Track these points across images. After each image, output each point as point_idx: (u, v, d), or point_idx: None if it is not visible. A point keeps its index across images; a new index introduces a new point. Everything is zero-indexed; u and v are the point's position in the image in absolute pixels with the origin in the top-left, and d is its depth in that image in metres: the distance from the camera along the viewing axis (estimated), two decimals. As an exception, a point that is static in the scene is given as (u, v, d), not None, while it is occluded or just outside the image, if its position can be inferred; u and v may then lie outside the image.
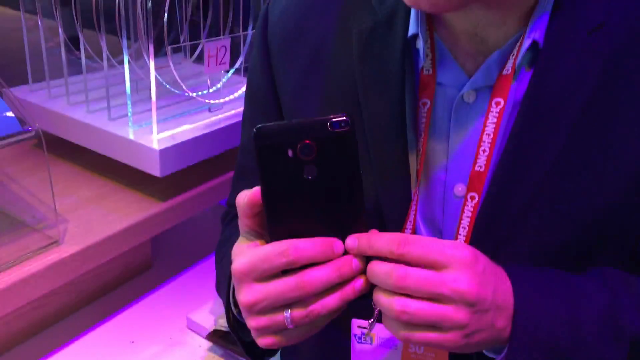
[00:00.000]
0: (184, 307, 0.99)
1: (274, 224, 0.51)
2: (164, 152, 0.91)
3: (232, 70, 1.10)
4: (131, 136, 0.93)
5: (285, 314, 0.51)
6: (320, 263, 0.50)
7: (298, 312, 0.50)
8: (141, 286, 1.05)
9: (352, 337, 0.63)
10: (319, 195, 0.50)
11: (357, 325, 0.63)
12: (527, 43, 0.56)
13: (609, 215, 0.57)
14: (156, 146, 0.91)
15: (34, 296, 0.79)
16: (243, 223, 0.53)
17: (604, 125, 0.56)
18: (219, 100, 1.06)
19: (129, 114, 0.96)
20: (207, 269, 1.10)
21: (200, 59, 1.14)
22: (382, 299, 0.50)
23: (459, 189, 0.61)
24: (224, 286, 0.69)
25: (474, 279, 0.49)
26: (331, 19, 0.67)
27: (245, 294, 0.51)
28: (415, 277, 0.49)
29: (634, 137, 0.56)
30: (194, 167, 1.02)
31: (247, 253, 0.51)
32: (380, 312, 0.53)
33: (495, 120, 0.58)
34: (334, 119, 0.49)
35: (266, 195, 0.50)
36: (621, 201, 0.57)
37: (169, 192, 0.99)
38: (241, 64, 1.09)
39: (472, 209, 0.59)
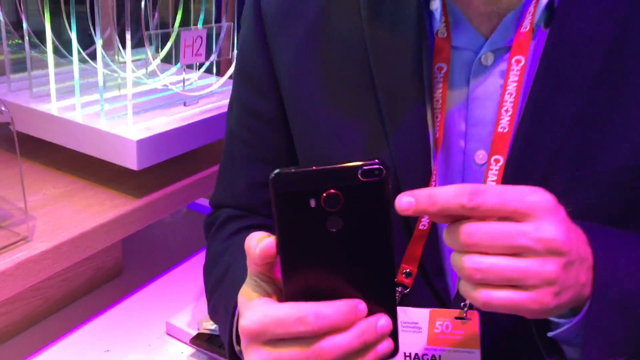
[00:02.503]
0: (162, 312, 0.92)
1: (290, 279, 0.46)
2: (141, 144, 0.85)
3: (206, 64, 1.06)
4: (104, 128, 0.87)
5: None
6: None
7: None
8: (113, 292, 0.98)
9: None
10: (342, 251, 0.45)
11: None
12: (543, 1, 0.55)
13: (634, 177, 0.55)
14: (133, 137, 0.85)
15: (2, 297, 0.72)
16: (252, 268, 0.48)
17: (624, 83, 0.55)
18: (196, 93, 1.01)
19: (101, 105, 0.90)
20: (184, 273, 1.03)
21: (168, 59, 1.09)
22: (454, 259, 0.45)
23: (480, 156, 0.58)
24: (224, 318, 0.63)
25: (560, 225, 0.44)
26: None
27: (253, 356, 0.46)
28: (487, 230, 0.43)
29: None
30: (169, 164, 0.97)
31: (257, 310, 0.45)
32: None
33: (516, 78, 0.56)
34: (366, 167, 0.44)
35: (283, 248, 0.45)
36: None
37: (144, 189, 0.93)
38: (217, 55, 1.04)
39: (497, 173, 0.56)
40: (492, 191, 0.44)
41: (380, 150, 0.52)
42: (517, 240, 0.43)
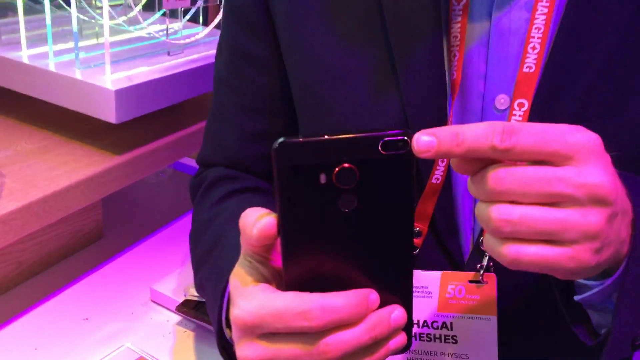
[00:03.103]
0: (146, 278, 0.85)
1: (292, 265, 0.39)
2: (120, 94, 0.77)
3: (192, 10, 0.98)
4: (79, 77, 0.79)
5: None
6: None
7: None
8: (93, 257, 0.91)
9: None
10: (354, 234, 0.39)
11: None
12: None
13: None
14: (110, 86, 0.77)
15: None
16: (247, 249, 0.41)
17: None
18: (182, 41, 0.93)
19: (76, 52, 0.82)
20: (169, 236, 0.96)
21: (150, 7, 1.01)
22: (479, 210, 0.39)
23: (501, 100, 0.52)
24: (213, 298, 0.57)
25: (606, 171, 0.38)
26: None
27: (247, 351, 0.40)
28: (521, 175, 0.37)
29: None
30: (152, 119, 0.89)
31: (254, 299, 0.39)
32: None
33: (545, 11, 0.49)
34: (388, 138, 0.37)
35: (285, 229, 0.39)
36: None
37: (124, 146, 0.86)
38: (204, 1, 0.96)
39: (520, 120, 0.49)
40: (529, 129, 0.37)
41: (389, 93, 0.45)
42: (556, 187, 0.37)
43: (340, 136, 0.37)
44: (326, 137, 0.37)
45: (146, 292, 0.83)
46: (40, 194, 0.71)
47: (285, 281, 0.40)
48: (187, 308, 0.79)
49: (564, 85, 0.50)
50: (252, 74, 0.63)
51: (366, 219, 0.39)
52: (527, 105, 0.50)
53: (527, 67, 0.50)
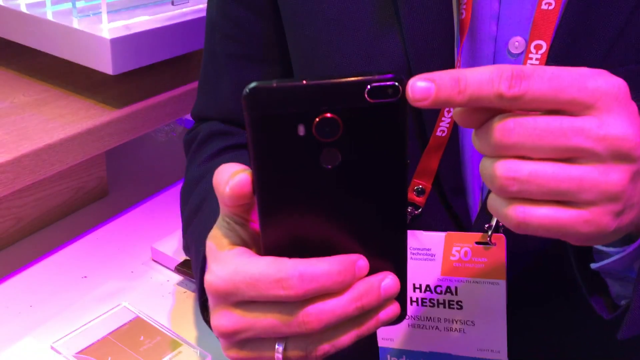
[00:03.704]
0: (149, 238, 0.83)
1: (269, 228, 0.35)
2: (116, 43, 0.74)
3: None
4: (76, 25, 0.76)
5: (277, 348, 0.36)
6: None
7: (295, 352, 0.35)
8: (96, 215, 0.88)
9: None
10: (339, 192, 0.34)
11: None
12: None
13: None
14: (107, 35, 0.73)
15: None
16: (224, 209, 0.37)
17: None
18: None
19: (73, 1, 0.78)
20: (173, 196, 0.94)
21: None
22: (483, 166, 0.34)
23: (516, 44, 0.46)
24: (195, 262, 0.53)
25: (631, 121, 0.33)
26: None
27: (221, 320, 0.36)
28: (531, 125, 0.32)
29: None
30: (155, 72, 0.86)
31: (227, 264, 0.35)
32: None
33: None
34: (376, 83, 0.32)
35: (261, 188, 0.34)
36: None
37: (125, 100, 0.82)
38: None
39: (538, 62, 0.44)
40: (542, 74, 0.32)
41: (390, 34, 0.39)
42: (573, 140, 0.32)
43: (321, 81, 0.32)
44: (304, 82, 0.32)
45: (148, 252, 0.81)
46: (31, 146, 0.68)
47: (263, 245, 0.36)
48: (186, 268, 0.76)
49: (589, 25, 0.44)
50: (245, 19, 0.59)
51: (352, 176, 0.34)
52: (545, 47, 0.44)
53: (545, 4, 0.44)
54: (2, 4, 0.81)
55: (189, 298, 0.74)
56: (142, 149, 1.08)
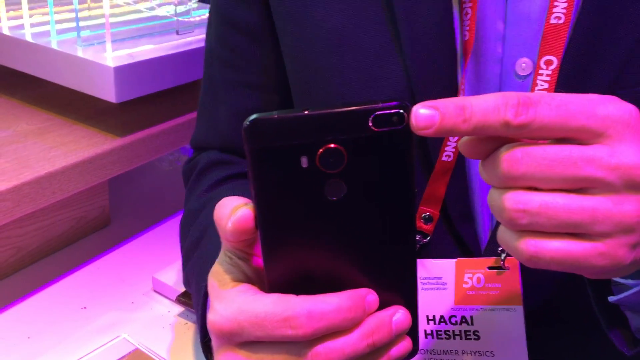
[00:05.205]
0: (150, 268, 0.81)
1: (274, 263, 0.34)
2: (120, 71, 0.73)
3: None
4: (80, 54, 0.76)
5: None
6: None
7: None
8: (98, 244, 0.87)
9: None
10: (345, 225, 0.33)
11: None
12: None
13: None
14: (110, 63, 0.73)
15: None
16: (226, 244, 0.36)
17: None
18: (192, 19, 0.88)
19: (77, 28, 0.78)
20: (176, 225, 0.92)
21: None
22: (492, 197, 0.33)
23: (523, 65, 0.45)
24: (196, 298, 0.52)
25: None
26: None
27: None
28: (540, 155, 0.31)
29: None
30: (158, 101, 0.85)
31: (231, 302, 0.34)
32: None
33: None
34: (381, 111, 0.31)
35: (264, 223, 0.33)
36: None
37: (128, 128, 0.82)
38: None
39: (548, 79, 0.43)
40: (549, 101, 0.31)
41: (391, 58, 0.38)
42: (584, 170, 0.31)
43: (324, 111, 0.32)
44: (307, 112, 0.32)
45: (149, 282, 0.79)
46: (32, 175, 0.68)
47: (268, 281, 0.35)
48: (187, 298, 0.75)
49: (602, 40, 0.43)
50: (243, 45, 0.58)
51: (358, 208, 0.33)
52: (555, 62, 0.43)
53: (555, 18, 0.43)
54: (7, 33, 0.81)
55: (190, 330, 0.73)
56: (145, 178, 1.07)
